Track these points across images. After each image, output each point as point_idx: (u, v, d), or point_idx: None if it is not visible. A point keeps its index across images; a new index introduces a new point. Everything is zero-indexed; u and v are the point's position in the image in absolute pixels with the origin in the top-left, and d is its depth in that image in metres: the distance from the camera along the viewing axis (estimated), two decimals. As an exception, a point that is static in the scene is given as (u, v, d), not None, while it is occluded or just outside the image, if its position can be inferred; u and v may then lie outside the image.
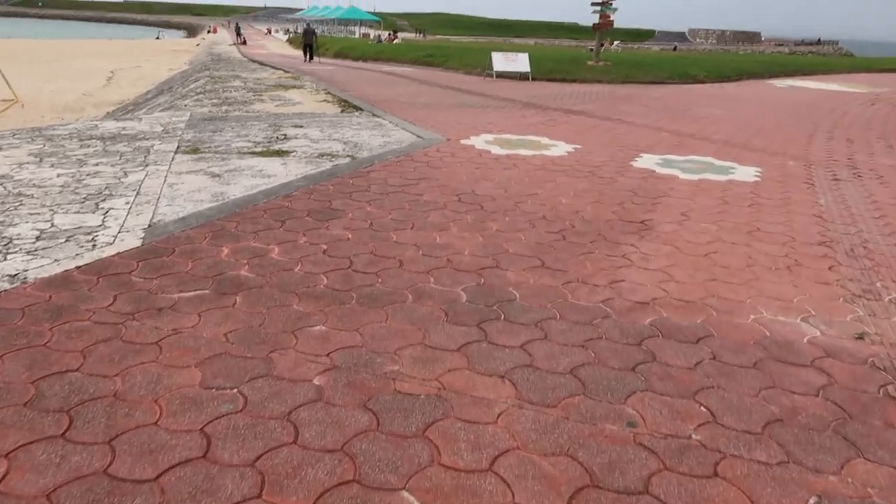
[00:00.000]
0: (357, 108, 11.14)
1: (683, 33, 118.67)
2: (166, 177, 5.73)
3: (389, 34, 56.31)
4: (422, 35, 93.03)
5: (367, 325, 3.10)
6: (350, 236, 4.32)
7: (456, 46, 41.16)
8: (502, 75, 20.13)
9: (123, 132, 8.15)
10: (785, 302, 3.59)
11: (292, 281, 3.56)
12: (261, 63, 28.36)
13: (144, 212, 4.67)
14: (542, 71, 20.78)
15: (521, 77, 20.21)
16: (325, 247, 4.10)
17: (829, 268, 4.14)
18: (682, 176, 6.55)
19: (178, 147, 7.13)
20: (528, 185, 5.86)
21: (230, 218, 4.57)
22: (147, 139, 7.64)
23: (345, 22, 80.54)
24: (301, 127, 8.79)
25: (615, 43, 62.19)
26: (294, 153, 6.92)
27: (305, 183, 5.57)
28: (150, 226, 4.36)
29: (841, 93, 18.87)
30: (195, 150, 6.95)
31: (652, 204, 5.44)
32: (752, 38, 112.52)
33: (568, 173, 6.44)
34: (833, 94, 18.16)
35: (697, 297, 3.59)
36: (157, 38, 77.42)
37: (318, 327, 3.05)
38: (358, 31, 76.48)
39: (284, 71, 21.49)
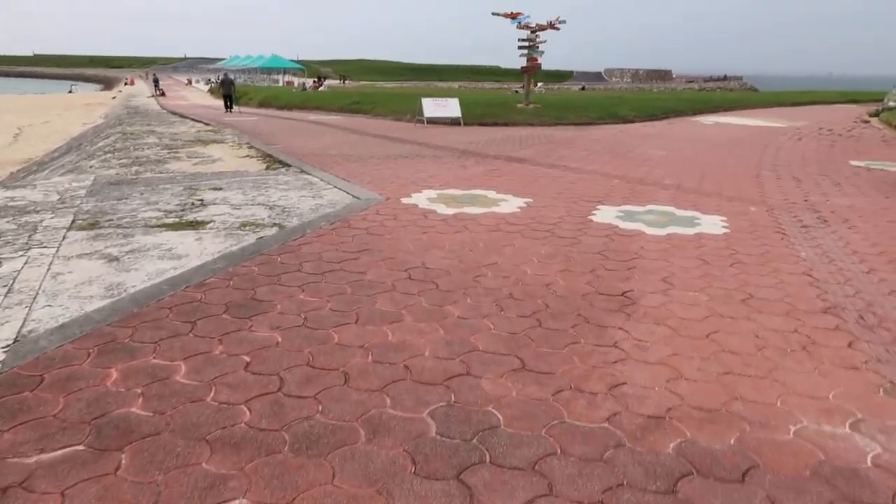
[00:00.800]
0: (284, 164, 10.28)
1: (600, 73, 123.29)
2: (51, 264, 4.72)
3: (314, 81, 55.81)
4: (345, 81, 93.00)
5: (305, 491, 2.24)
6: (280, 339, 3.45)
7: (382, 92, 40.95)
8: (433, 121, 19.69)
9: (11, 203, 7.04)
10: (821, 400, 2.94)
11: (203, 419, 2.67)
12: (180, 115, 27.09)
13: (12, 318, 3.67)
14: (473, 115, 20.47)
15: (453, 122, 19.83)
16: (247, 359, 3.23)
17: (849, 344, 3.55)
18: (649, 231, 5.98)
19: (73, 221, 6.09)
20: (484, 252, 5.14)
21: (125, 322, 3.63)
22: (37, 212, 6.56)
23: (268, 70, 79.55)
24: (220, 189, 7.86)
25: (538, 84, 63.71)
26: (211, 224, 6.00)
27: (224, 264, 4.67)
28: (15, 341, 3.37)
29: (765, 128, 19.28)
30: (93, 225, 5.93)
31: (627, 269, 4.81)
32: (664, 75, 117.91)
33: (525, 234, 5.77)
34: (759, 130, 18.51)
35: (719, 403, 2.90)
36: (70, 91, 74.26)
37: (236, 503, 2.18)
38: (282, 80, 75.65)
39: (205, 124, 20.41)
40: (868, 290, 4.46)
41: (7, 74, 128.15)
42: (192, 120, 22.96)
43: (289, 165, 10.12)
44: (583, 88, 76.67)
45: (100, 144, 14.69)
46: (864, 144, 14.93)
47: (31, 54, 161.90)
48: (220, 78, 35.52)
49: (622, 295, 4.25)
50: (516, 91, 54.26)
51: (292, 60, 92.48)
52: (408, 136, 15.77)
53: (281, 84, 72.14)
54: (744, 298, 4.24)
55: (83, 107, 48.48)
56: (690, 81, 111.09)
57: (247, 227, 5.83)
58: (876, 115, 23.68)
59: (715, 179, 9.24)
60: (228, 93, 29.19)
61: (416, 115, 20.32)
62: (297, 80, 72.38)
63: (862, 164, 11.39)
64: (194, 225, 5.94)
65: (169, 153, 12.01)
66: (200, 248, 5.11)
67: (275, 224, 5.96)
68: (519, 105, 22.23)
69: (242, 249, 5.07)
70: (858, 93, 44.01)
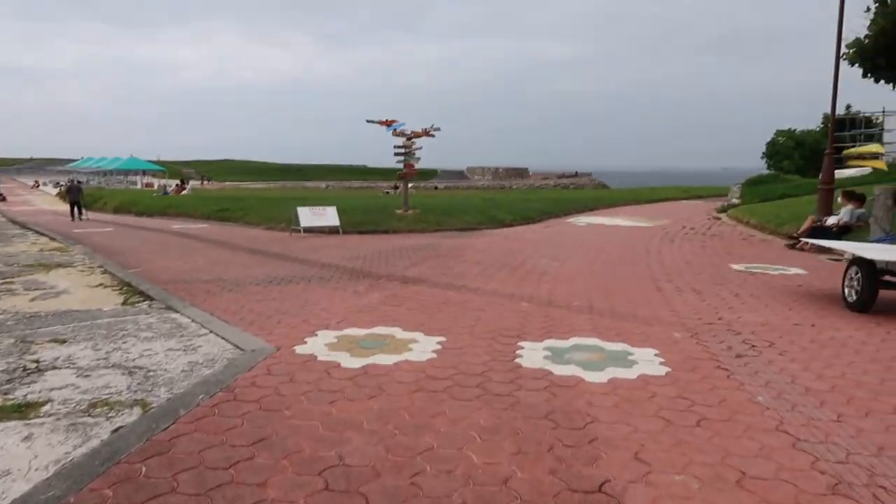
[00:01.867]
0: (146, 297, 8.83)
1: (462, 171, 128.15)
2: None
3: (177, 184, 53.23)
4: (206, 182, 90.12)
5: None
6: None
7: (251, 196, 39.57)
8: (310, 230, 18.73)
9: None
10: None
11: None
12: (22, 225, 24.29)
13: None
14: (352, 223, 19.77)
15: (331, 231, 18.99)
16: None
17: (888, 550, 2.92)
18: (588, 377, 5.29)
19: None
20: (413, 431, 4.17)
21: None
22: None
23: (124, 172, 75.28)
24: (65, 342, 6.37)
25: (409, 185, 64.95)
26: (47, 406, 4.59)
27: (62, 490, 3.35)
28: None
29: (635, 228, 20.01)
30: None
31: (589, 442, 4.02)
32: (521, 173, 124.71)
33: (454, 394, 4.87)
34: (631, 231, 19.14)
35: None
36: None
37: None
38: (140, 181, 71.85)
39: (50, 238, 18.14)
40: (855, 448, 3.95)
41: None
42: (36, 232, 20.45)
43: (152, 299, 8.69)
44: (436, 188, 79.81)
45: None
46: (729, 244, 15.66)
47: None
48: (68, 184, 34.38)
49: (600, 490, 3.42)
50: (387, 192, 54.84)
51: (152, 161, 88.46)
52: (286, 250, 14.65)
53: (139, 186, 68.37)
54: (737, 479, 3.55)
55: None
56: (546, 178, 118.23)
57: (98, 411, 4.48)
58: (724, 210, 25.56)
59: (622, 296, 8.92)
60: (76, 199, 27.87)
61: (291, 224, 19.28)
62: (157, 182, 68.94)
63: (742, 267, 11.69)
64: (23, 410, 4.50)
65: (1, 283, 10.11)
66: (28, 459, 3.72)
67: (136, 402, 4.66)
68: (398, 211, 21.82)
69: (92, 455, 3.75)
70: (697, 188, 48.37)
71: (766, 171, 46.09)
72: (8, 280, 10.51)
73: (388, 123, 21.72)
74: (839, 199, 15.58)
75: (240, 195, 40.82)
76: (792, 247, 14.55)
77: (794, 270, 11.40)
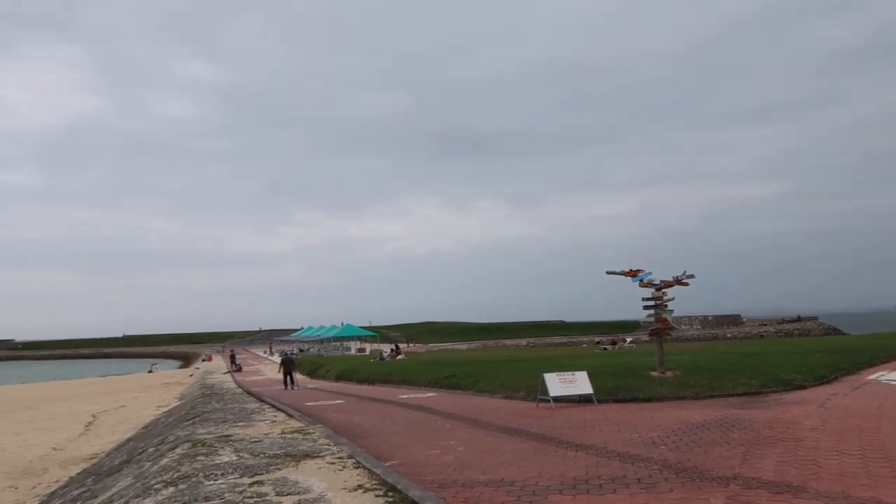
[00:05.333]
0: (424, 513, 6.64)
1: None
2: None
3: (392, 350, 54.03)
4: (413, 344, 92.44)
5: None
6: None
7: (467, 359, 38.18)
8: (559, 400, 16.16)
9: None
10: None
11: None
12: (257, 397, 24.42)
13: None
14: (603, 389, 16.93)
15: (582, 399, 16.28)
16: None
17: None
18: None
19: None
20: None
21: None
22: None
23: (340, 339, 79.54)
24: None
25: (628, 340, 60.30)
26: None
27: None
28: None
29: None
30: None
31: None
32: (734, 320, 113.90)
33: None
34: None
35: None
36: (150, 371, 75.17)
37: None
38: (354, 348, 75.12)
39: (288, 414, 17.35)
40: None
41: (96, 356, 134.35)
42: (273, 407, 20.03)
43: (433, 516, 6.47)
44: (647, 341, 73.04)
45: (162, 463, 11.46)
46: None
47: (122, 336, 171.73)
48: (282, 355, 39.97)
49: None
50: (605, 348, 51.17)
51: (364, 328, 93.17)
52: (549, 429, 12.08)
53: (353, 352, 71.35)
54: None
55: (160, 387, 47.43)
56: (763, 324, 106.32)
57: None
58: None
59: None
60: (289, 370, 30.00)
61: (533, 393, 16.92)
62: (369, 348, 71.62)
63: None
64: None
65: (250, 484, 8.57)
66: None
67: None
68: (653, 373, 18.60)
69: None
70: None
71: None
72: (257, 478, 9.00)
73: (633, 274, 19.24)
74: None
75: (455, 359, 39.69)
76: None
77: None
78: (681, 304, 19.70)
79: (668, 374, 18.41)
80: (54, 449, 21.72)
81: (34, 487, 16.10)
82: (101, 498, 11.05)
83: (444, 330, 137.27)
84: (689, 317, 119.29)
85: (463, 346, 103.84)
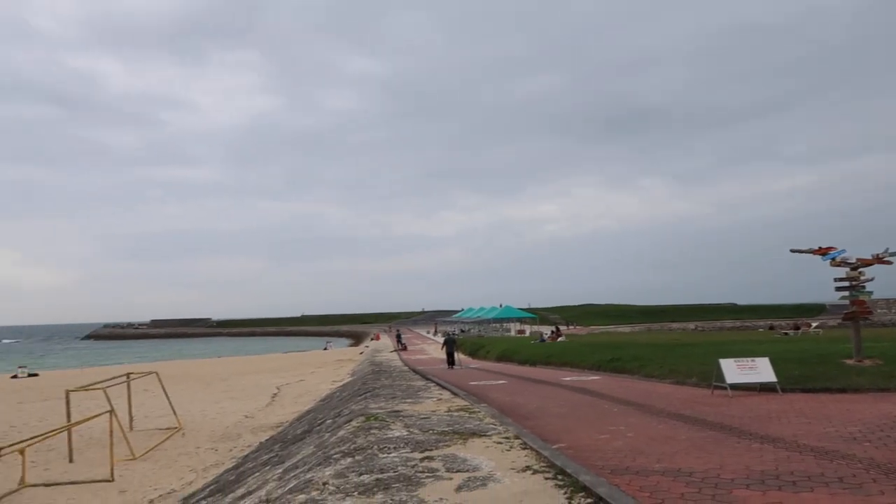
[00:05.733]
0: (595, 497, 6.41)
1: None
2: None
3: (553, 332, 53.58)
4: (572, 326, 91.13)
5: None
6: None
7: (630, 342, 36.88)
8: (737, 388, 15.03)
9: None
10: None
11: None
12: (423, 375, 25.26)
13: None
14: (787, 377, 15.50)
15: (763, 388, 15.02)
16: None
17: None
18: None
19: None
20: None
21: None
22: None
23: (499, 321, 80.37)
24: None
25: (813, 325, 55.14)
26: None
27: None
28: None
29: None
30: None
31: None
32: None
33: None
34: None
35: None
36: (325, 348, 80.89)
37: None
38: (513, 329, 75.51)
39: (453, 393, 17.75)
40: None
41: (279, 334, 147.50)
42: (438, 386, 20.61)
43: (606, 502, 6.22)
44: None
45: (340, 434, 12.18)
46: None
47: (300, 315, 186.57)
48: (445, 336, 42.43)
49: None
50: (786, 333, 47.15)
51: (523, 309, 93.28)
52: (727, 418, 11.25)
53: (513, 333, 71.73)
54: None
55: (334, 363, 50.94)
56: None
57: None
58: None
59: None
60: (451, 350, 30.56)
61: (709, 379, 15.89)
62: (528, 329, 71.61)
63: None
64: None
65: (421, 459, 8.83)
66: None
67: None
68: (848, 361, 16.72)
69: None
70: None
71: None
72: (428, 454, 9.25)
73: (823, 252, 17.34)
74: None
75: (618, 341, 38.49)
76: None
77: None
78: (878, 286, 17.44)
79: (867, 362, 16.46)
80: (246, 417, 24.03)
81: (231, 450, 17.90)
82: (287, 464, 11.99)
83: (604, 312, 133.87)
84: (888, 299, 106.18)
85: (625, 328, 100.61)
